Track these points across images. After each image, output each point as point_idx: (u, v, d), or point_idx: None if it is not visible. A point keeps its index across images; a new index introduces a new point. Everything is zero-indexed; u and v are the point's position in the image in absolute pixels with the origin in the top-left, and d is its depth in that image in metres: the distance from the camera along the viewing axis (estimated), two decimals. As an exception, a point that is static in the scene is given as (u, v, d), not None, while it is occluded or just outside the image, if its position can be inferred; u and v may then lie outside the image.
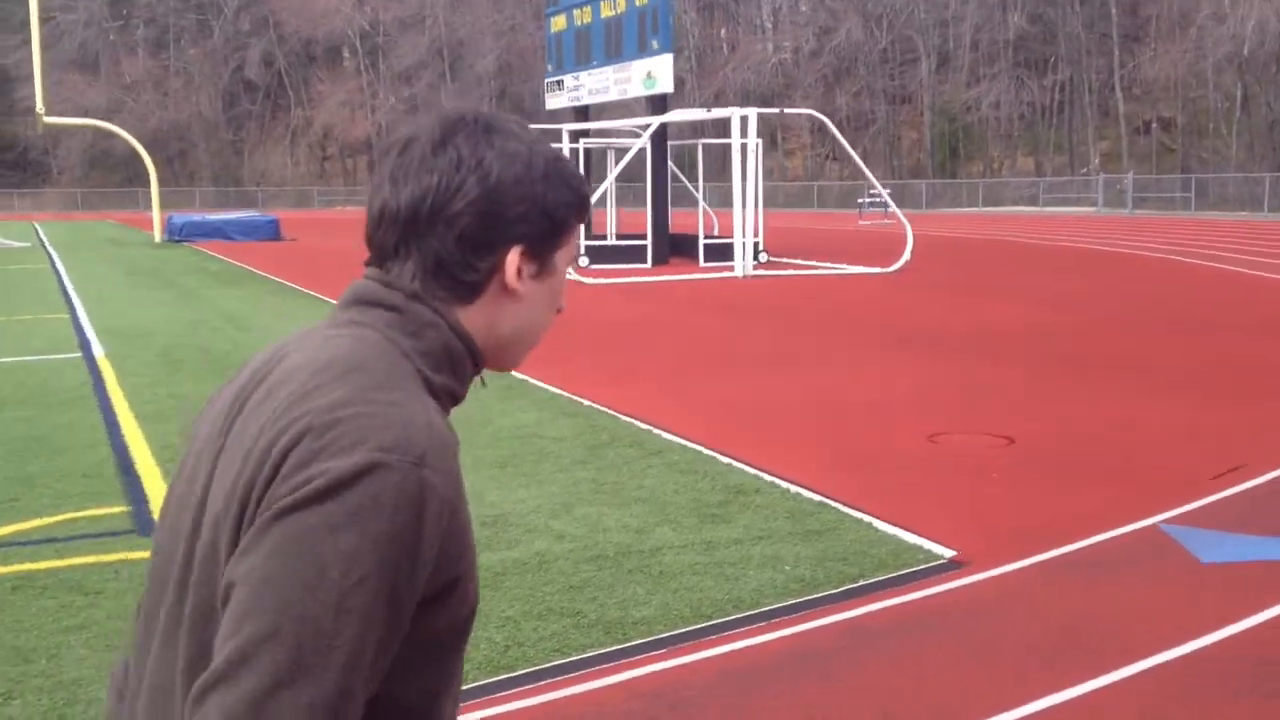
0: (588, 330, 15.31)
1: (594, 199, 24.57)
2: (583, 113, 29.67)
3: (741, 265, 22.54)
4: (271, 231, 38.04)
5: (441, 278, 1.43)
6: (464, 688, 3.77)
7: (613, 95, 27.29)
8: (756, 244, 25.06)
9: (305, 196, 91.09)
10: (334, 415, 1.29)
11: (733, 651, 4.79)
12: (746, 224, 22.60)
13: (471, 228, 1.41)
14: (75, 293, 20.88)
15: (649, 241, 25.47)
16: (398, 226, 1.43)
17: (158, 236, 37.65)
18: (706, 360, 12.48)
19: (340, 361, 1.36)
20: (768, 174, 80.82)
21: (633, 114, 28.38)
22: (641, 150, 24.21)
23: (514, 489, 7.19)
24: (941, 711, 4.24)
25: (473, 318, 1.47)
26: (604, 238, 27.45)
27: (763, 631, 5.01)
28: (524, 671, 4.61)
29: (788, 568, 5.80)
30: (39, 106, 35.85)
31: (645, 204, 26.16)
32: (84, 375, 11.69)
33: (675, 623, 5.09)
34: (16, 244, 36.42)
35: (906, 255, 23.52)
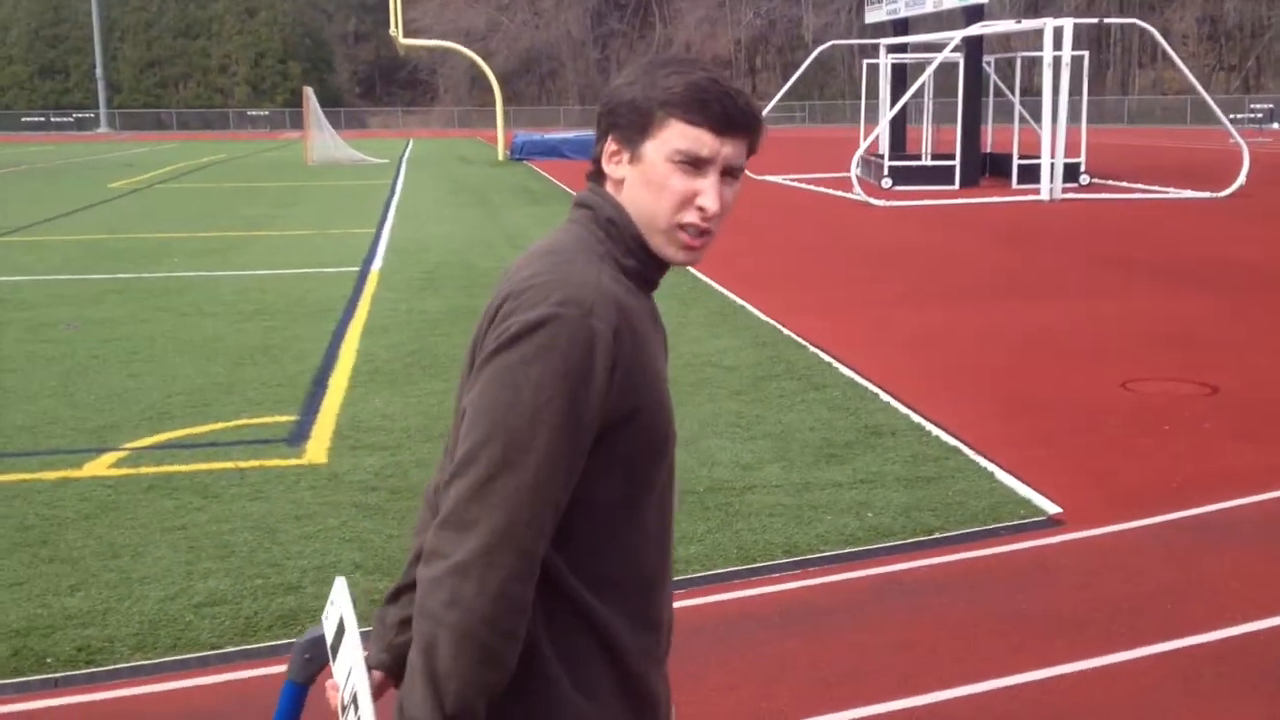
0: (851, 257, 15.03)
1: (891, 114, 23.86)
2: (901, 26, 28.77)
3: (1048, 188, 21.34)
4: (604, 149, 38.97)
5: (593, 166, 1.82)
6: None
7: (928, 7, 26.30)
8: (1075, 165, 23.64)
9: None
10: (528, 283, 1.68)
11: (736, 599, 4.71)
12: (1057, 144, 21.32)
13: (598, 125, 1.80)
14: (394, 209, 22.29)
15: (957, 161, 24.47)
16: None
17: (501, 155, 39.50)
18: (937, 291, 12.01)
19: (543, 247, 1.78)
20: (1146, 87, 75.69)
21: (951, 27, 27.14)
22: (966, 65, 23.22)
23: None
24: (908, 680, 4.03)
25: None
26: (917, 157, 26.61)
27: (786, 580, 4.89)
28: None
29: (870, 515, 5.61)
30: (393, 29, 38.15)
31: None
32: (348, 289, 12.54)
33: (712, 564, 5.05)
34: (375, 161, 39.02)
35: (1240, 179, 21.57)
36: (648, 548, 1.77)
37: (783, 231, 17.87)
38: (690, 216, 1.73)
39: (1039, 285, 12.29)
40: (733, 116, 1.72)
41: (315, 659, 1.94)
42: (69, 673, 4.17)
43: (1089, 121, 24.85)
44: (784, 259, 14.88)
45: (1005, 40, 31.98)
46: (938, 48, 26.27)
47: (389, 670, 1.89)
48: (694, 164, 1.72)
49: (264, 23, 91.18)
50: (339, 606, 1.87)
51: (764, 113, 1.90)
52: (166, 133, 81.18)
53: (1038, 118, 22.63)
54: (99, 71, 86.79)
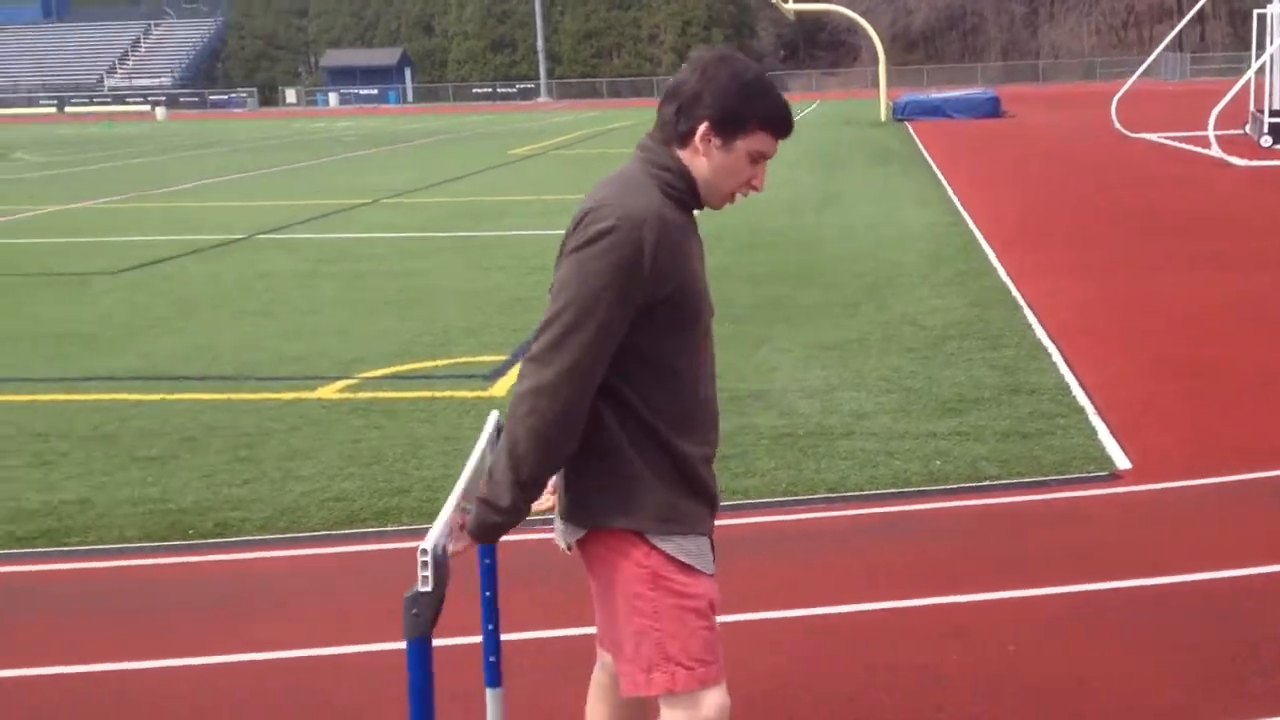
0: (1151, 219, 14.51)
1: (1256, 66, 22.13)
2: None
3: None
4: (990, 108, 38.30)
5: (664, 129, 2.51)
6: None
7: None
8: None
9: (1090, 69, 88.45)
10: (601, 203, 2.43)
11: (740, 525, 5.23)
12: None
13: (685, 103, 2.47)
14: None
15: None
16: (662, 103, 2.54)
17: (883, 115, 39.54)
18: (1209, 258, 11.53)
19: (611, 178, 2.54)
20: None
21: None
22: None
23: (816, 370, 7.73)
24: (854, 593, 4.48)
25: (682, 157, 2.51)
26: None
27: (795, 511, 5.37)
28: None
29: (938, 463, 5.94)
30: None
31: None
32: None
33: (757, 494, 5.60)
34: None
35: None
36: (688, 384, 2.54)
37: (1102, 192, 17.31)
38: (743, 191, 2.55)
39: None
40: (790, 129, 2.52)
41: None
42: (195, 541, 5.35)
43: None
44: (1070, 218, 14.57)
45: None
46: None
47: None
48: (759, 159, 2.51)
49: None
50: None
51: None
52: (599, 100, 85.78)
53: None
54: (540, 44, 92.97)
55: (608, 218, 2.38)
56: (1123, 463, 5.82)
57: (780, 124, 2.48)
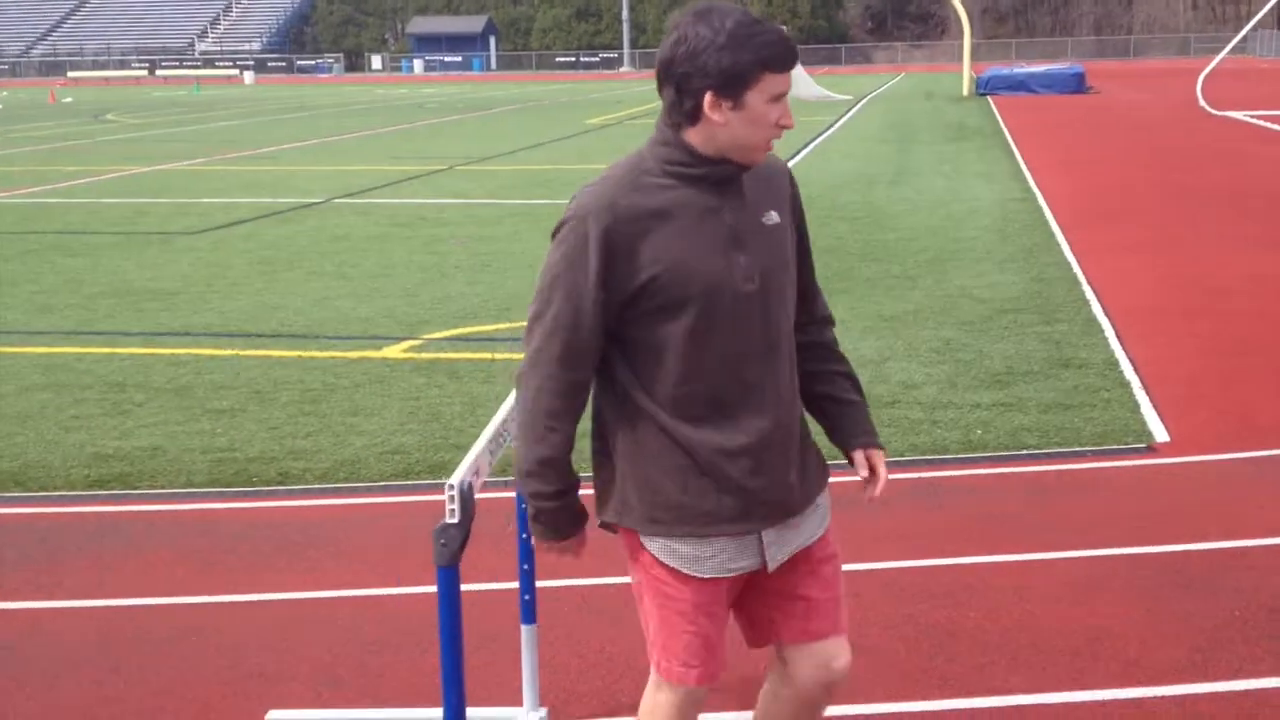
0: (1227, 197, 14.35)
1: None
2: None
3: None
4: (1075, 84, 37.72)
5: (672, 113, 2.39)
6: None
7: None
8: None
9: (1184, 44, 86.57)
10: (573, 195, 2.42)
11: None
12: None
13: (679, 82, 2.35)
14: (813, 146, 23.14)
15: None
16: (659, 87, 2.41)
17: (965, 90, 39.12)
18: (1274, 241, 11.44)
19: (607, 168, 2.48)
20: None
21: None
22: None
23: (871, 340, 7.84)
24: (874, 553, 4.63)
25: (693, 136, 2.39)
26: None
27: (834, 475, 5.50)
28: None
29: (978, 432, 6.06)
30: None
31: None
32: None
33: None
34: (839, 97, 39.82)
35: None
36: (703, 371, 2.40)
37: (1179, 171, 17.11)
38: (776, 132, 2.39)
39: None
40: (791, 60, 2.37)
41: None
42: (259, 488, 5.63)
43: None
44: (1142, 196, 14.48)
45: None
46: None
47: None
48: (777, 98, 2.36)
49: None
50: None
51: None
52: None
53: None
54: (625, 14, 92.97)
55: (568, 209, 2.39)
56: (1161, 436, 5.90)
57: (779, 60, 2.33)
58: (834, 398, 2.69)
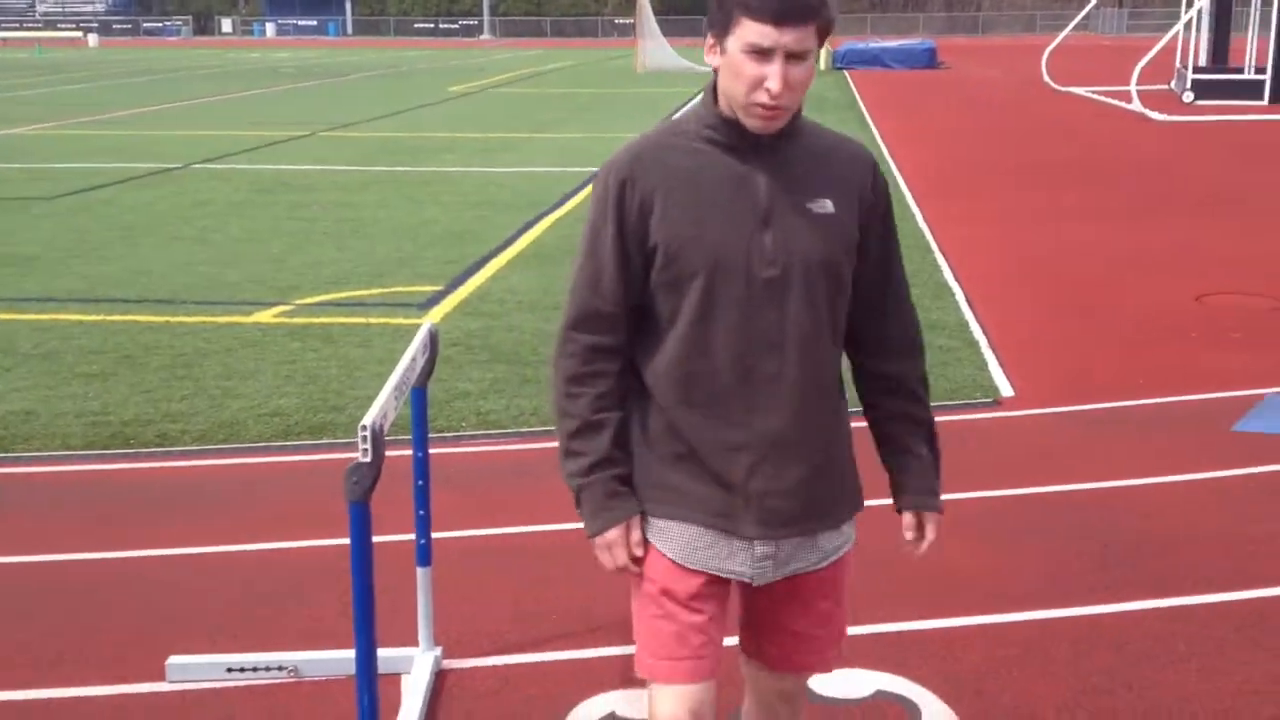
0: (1070, 171, 15.03)
1: (1182, 24, 22.73)
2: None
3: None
4: (927, 59, 38.77)
5: (708, 57, 2.21)
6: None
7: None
8: None
9: (1030, 21, 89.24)
10: None
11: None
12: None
13: (707, 23, 2.20)
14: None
15: (1268, 75, 23.05)
16: None
17: (823, 64, 39.75)
18: (1119, 208, 12.08)
19: None
20: None
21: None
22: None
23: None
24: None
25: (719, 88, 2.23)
26: (1240, 70, 25.14)
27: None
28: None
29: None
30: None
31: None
32: (571, 186, 13.78)
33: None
34: (700, 68, 40.11)
35: None
36: (707, 352, 2.21)
37: (1025, 144, 17.84)
38: (760, 97, 2.11)
39: (1233, 201, 12.09)
40: (787, 11, 2.06)
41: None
42: (138, 449, 5.66)
43: None
44: (990, 168, 15.09)
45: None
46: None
47: None
48: (761, 54, 2.08)
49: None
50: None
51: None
52: (542, 39, 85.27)
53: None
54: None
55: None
56: (1007, 391, 6.30)
57: (760, 4, 2.07)
58: (896, 443, 2.44)
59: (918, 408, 2.43)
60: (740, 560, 2.30)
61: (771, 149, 2.21)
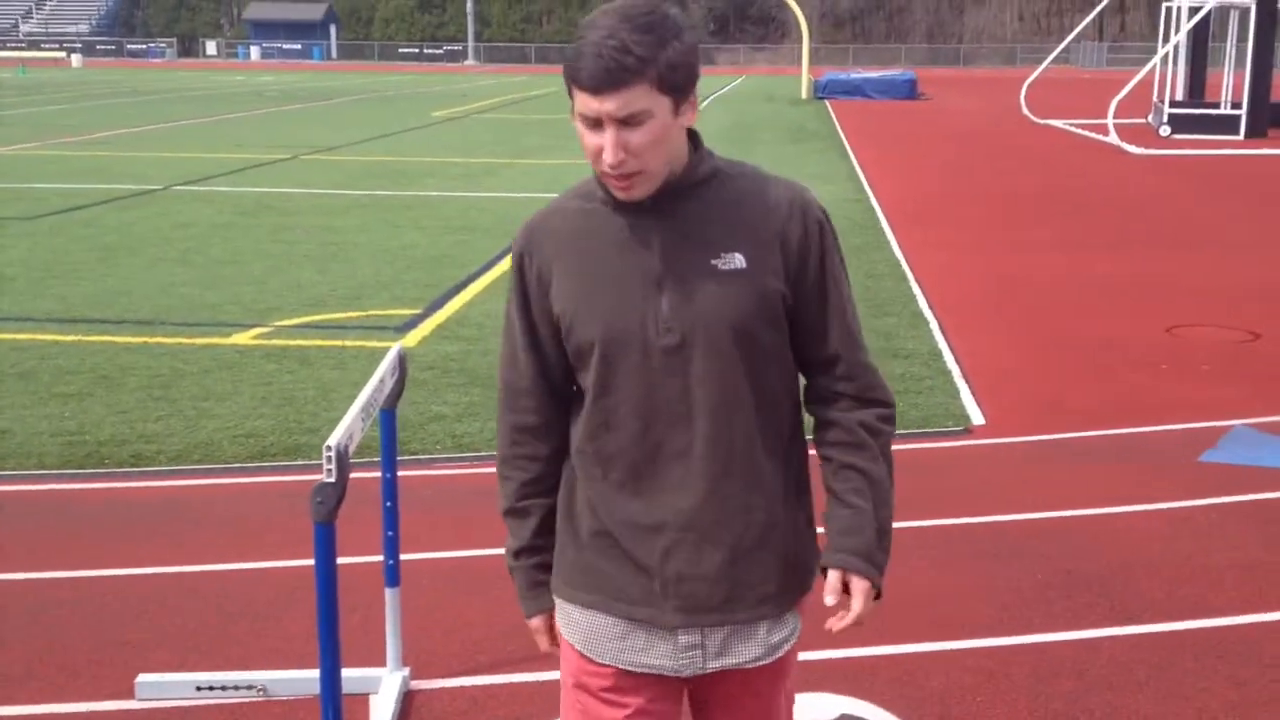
0: (1045, 203, 15.18)
1: (1157, 58, 23.00)
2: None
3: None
4: (908, 90, 39.08)
5: None
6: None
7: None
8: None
9: (1011, 54, 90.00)
10: None
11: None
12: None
13: None
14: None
15: (1243, 110, 23.34)
16: None
17: (804, 93, 40.15)
18: (1094, 240, 12.23)
19: None
20: None
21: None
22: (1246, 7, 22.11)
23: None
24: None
25: None
26: (1216, 105, 25.45)
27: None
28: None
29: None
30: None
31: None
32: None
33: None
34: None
35: None
36: (622, 424, 2.05)
37: (1002, 175, 18.01)
38: (602, 165, 1.95)
39: (1220, 241, 12.23)
40: (599, 79, 1.87)
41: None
42: (112, 469, 5.68)
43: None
44: (967, 199, 15.22)
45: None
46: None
47: None
48: (593, 123, 1.92)
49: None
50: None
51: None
52: (526, 66, 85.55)
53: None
54: (470, 6, 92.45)
55: None
56: (978, 419, 6.37)
57: (579, 76, 1.90)
58: (832, 494, 2.14)
59: (864, 457, 2.12)
60: (659, 652, 2.10)
61: (669, 205, 2.01)
